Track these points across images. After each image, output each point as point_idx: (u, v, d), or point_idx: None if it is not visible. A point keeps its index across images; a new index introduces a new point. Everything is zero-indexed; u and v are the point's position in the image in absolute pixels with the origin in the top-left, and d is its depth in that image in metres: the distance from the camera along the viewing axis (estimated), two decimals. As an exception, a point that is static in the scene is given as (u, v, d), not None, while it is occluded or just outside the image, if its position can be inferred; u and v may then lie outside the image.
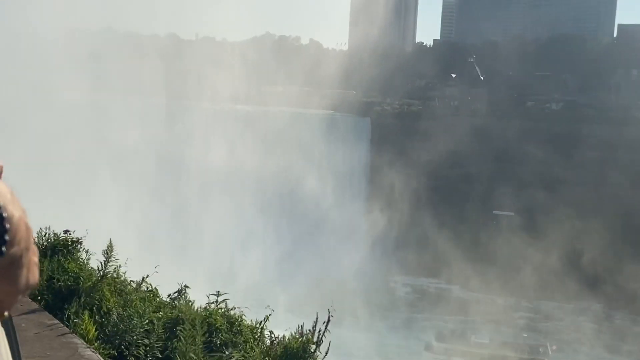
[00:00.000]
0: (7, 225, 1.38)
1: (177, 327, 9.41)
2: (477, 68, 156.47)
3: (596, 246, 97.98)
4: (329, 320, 11.15)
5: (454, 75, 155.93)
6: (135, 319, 9.73)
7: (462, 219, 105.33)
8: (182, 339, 8.38)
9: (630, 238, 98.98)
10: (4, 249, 1.37)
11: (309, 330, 11.14)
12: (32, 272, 1.56)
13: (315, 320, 11.39)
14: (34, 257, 1.60)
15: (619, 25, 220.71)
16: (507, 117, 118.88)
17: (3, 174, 3.00)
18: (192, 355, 8.12)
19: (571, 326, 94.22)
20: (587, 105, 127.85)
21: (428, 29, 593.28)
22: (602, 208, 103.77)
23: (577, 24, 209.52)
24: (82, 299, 10.36)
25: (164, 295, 12.84)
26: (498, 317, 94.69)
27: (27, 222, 1.51)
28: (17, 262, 1.45)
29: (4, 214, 1.38)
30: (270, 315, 12.27)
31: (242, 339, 11.10)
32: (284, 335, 11.21)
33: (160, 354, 9.44)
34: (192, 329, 8.64)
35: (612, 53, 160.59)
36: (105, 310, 10.53)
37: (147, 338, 9.43)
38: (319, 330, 11.08)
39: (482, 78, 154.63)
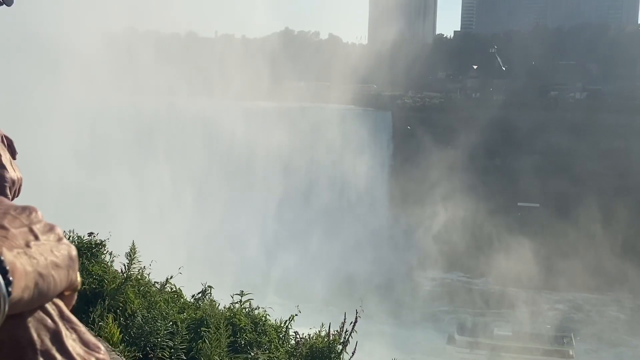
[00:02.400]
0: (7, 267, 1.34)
1: (202, 328, 9.32)
2: (498, 58, 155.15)
3: (623, 236, 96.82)
4: (356, 321, 11.02)
5: (475, 67, 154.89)
6: (159, 320, 9.67)
7: (486, 211, 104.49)
8: (206, 341, 8.29)
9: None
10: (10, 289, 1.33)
11: (336, 331, 11.02)
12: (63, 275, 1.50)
13: (343, 320, 11.26)
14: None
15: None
16: (530, 108, 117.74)
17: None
18: (217, 357, 8.03)
19: (598, 317, 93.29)
20: (611, 94, 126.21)
21: (448, 20, 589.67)
22: (629, 197, 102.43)
23: (600, 11, 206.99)
24: (107, 302, 10.32)
25: (188, 295, 12.80)
26: (523, 310, 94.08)
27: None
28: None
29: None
30: (295, 315, 12.16)
31: (267, 339, 11.00)
32: (309, 335, 11.09)
33: (185, 356, 9.37)
34: (216, 331, 8.54)
35: (636, 40, 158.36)
36: (130, 312, 10.49)
37: (172, 340, 9.36)
38: (346, 330, 10.95)
39: (504, 68, 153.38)
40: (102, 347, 1.51)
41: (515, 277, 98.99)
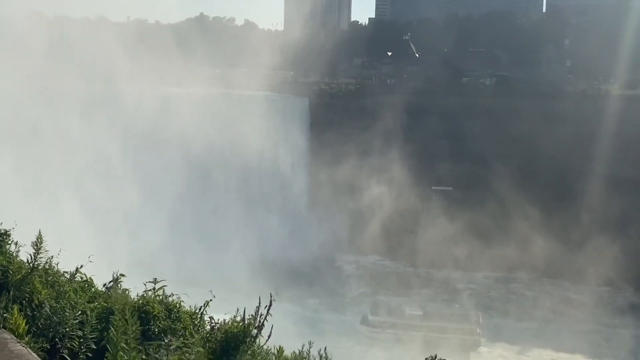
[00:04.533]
0: None
1: (112, 317, 9.13)
2: (412, 46, 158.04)
3: (532, 217, 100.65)
4: (270, 304, 11.02)
5: (389, 54, 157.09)
6: (68, 310, 9.42)
7: (402, 195, 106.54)
8: (113, 328, 8.13)
9: (562, 206, 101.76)
10: None
11: (252, 315, 11.00)
12: None
13: (258, 305, 11.25)
14: None
15: (548, 1, 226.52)
16: (443, 94, 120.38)
17: None
18: (124, 345, 7.88)
19: (506, 295, 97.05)
20: (519, 80, 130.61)
21: (363, 8, 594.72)
22: (536, 179, 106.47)
23: (507, 0, 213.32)
24: (12, 293, 9.96)
25: (99, 285, 12.50)
26: (436, 290, 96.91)
27: None
28: None
29: None
30: (211, 300, 12.07)
31: (181, 325, 10.88)
32: (224, 320, 11.03)
33: (95, 345, 9.16)
34: (123, 319, 8.39)
35: (542, 28, 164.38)
36: (37, 303, 10.16)
37: (81, 329, 9.13)
38: (261, 315, 10.95)
39: (417, 55, 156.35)
40: None
41: (429, 258, 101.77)
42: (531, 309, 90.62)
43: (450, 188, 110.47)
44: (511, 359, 79.30)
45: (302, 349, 11.62)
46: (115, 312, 8.90)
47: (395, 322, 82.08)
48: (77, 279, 12.02)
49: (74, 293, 10.62)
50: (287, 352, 11.09)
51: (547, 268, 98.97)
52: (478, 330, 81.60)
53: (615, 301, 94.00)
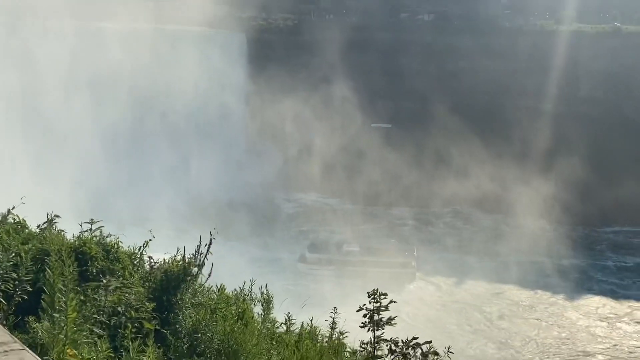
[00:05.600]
0: None
1: (47, 259, 8.93)
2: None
3: (467, 153, 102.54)
4: (210, 243, 10.99)
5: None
6: (0, 252, 9.16)
7: (341, 133, 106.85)
8: (48, 270, 7.95)
9: (499, 141, 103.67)
10: None
11: (192, 254, 10.96)
12: None
13: (198, 243, 11.20)
14: None
15: None
16: (382, 30, 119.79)
17: None
18: (62, 286, 7.73)
19: (441, 229, 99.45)
20: (457, 16, 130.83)
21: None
22: (473, 115, 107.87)
23: None
24: (-61, 236, 9.63)
25: (33, 226, 12.18)
26: (373, 226, 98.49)
27: None
28: None
29: None
30: (150, 240, 11.94)
31: (120, 266, 10.77)
32: (164, 260, 10.96)
33: (31, 287, 8.97)
34: (59, 260, 8.21)
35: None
36: (-32, 247, 9.85)
37: (15, 272, 8.91)
38: (201, 253, 10.92)
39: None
40: None
41: (369, 195, 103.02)
42: (468, 243, 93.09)
43: (390, 125, 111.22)
44: (446, 290, 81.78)
45: (243, 286, 11.68)
46: (51, 254, 8.71)
47: (332, 258, 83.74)
48: (9, 221, 11.71)
49: (6, 235, 10.36)
50: (229, 290, 11.13)
51: (484, 202, 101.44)
52: (413, 264, 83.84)
53: (552, 234, 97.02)
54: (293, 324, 12.10)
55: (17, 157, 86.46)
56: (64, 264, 8.14)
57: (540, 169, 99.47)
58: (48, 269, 8.00)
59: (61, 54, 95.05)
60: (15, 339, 7.08)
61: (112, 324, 9.09)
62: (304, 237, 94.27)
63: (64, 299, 7.70)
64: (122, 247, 11.46)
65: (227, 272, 13.33)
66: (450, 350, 11.54)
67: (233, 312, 10.01)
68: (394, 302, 10.71)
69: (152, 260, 11.24)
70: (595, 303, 78.98)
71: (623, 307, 77.76)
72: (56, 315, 7.60)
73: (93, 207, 65.39)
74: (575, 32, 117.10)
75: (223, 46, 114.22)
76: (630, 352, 66.85)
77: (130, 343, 8.34)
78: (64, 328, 7.48)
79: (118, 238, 11.57)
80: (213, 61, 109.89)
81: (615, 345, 68.52)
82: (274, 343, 10.78)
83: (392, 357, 11.45)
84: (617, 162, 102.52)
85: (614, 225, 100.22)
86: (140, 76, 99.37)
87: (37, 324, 7.88)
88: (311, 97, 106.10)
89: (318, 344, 11.19)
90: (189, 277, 10.58)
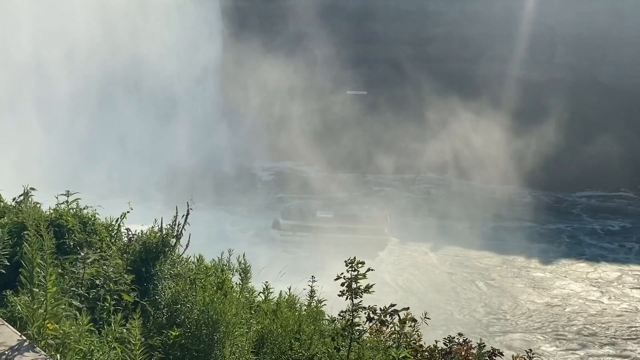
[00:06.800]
0: None
1: (24, 232, 8.88)
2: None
3: (441, 120, 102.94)
4: (188, 213, 11.00)
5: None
6: (-24, 227, 9.09)
7: (317, 101, 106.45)
8: (26, 244, 7.91)
9: (473, 107, 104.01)
10: None
11: (169, 225, 10.96)
12: None
13: (175, 214, 11.20)
14: None
15: None
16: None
17: None
18: (40, 260, 7.71)
19: (416, 195, 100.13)
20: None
21: None
22: (449, 82, 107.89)
23: None
24: None
25: (9, 199, 12.09)
26: (347, 193, 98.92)
27: None
28: None
29: None
30: (128, 212, 11.91)
31: (98, 238, 10.75)
32: (142, 231, 10.95)
33: (9, 262, 8.94)
34: (37, 234, 8.17)
35: None
36: (-59, 221, 9.76)
37: (-8, 246, 8.86)
38: (179, 224, 10.92)
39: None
40: None
41: (345, 162, 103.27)
42: (442, 209, 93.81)
43: (365, 92, 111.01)
44: (419, 257, 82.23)
45: (222, 256, 11.72)
46: (29, 227, 8.66)
47: (306, 225, 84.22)
48: (-17, 194, 11.60)
49: (-19, 209, 10.27)
50: (207, 260, 11.17)
51: (459, 168, 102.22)
52: (386, 230, 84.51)
53: (525, 199, 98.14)
54: (271, 292, 12.22)
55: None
56: (42, 238, 8.11)
57: (517, 136, 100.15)
58: (26, 243, 7.96)
59: (29, 22, 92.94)
60: (-6, 313, 7.07)
61: (90, 296, 9.11)
62: (278, 205, 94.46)
63: (42, 273, 7.68)
64: (100, 219, 11.43)
65: (203, 241, 13.35)
66: (427, 317, 11.75)
67: (212, 282, 10.06)
68: (372, 270, 10.83)
69: (130, 232, 11.23)
70: (585, 268, 79.69)
71: (613, 271, 78.66)
72: (35, 290, 7.59)
73: (66, 179, 64.72)
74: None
75: (197, 14, 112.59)
76: (618, 316, 67.81)
77: (112, 316, 8.37)
78: (44, 302, 7.48)
79: (95, 210, 11.53)
80: (186, 29, 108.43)
81: (604, 309, 69.35)
82: (253, 312, 10.89)
83: (371, 324, 11.63)
84: (589, 128, 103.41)
85: (587, 190, 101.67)
86: (111, 45, 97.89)
87: (16, 298, 7.86)
88: (286, 65, 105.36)
89: (296, 313, 11.31)
90: (167, 249, 10.60)
